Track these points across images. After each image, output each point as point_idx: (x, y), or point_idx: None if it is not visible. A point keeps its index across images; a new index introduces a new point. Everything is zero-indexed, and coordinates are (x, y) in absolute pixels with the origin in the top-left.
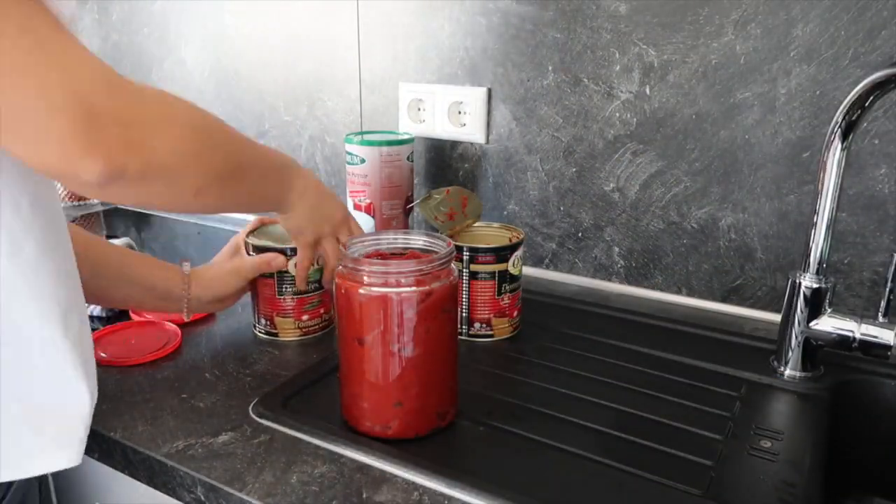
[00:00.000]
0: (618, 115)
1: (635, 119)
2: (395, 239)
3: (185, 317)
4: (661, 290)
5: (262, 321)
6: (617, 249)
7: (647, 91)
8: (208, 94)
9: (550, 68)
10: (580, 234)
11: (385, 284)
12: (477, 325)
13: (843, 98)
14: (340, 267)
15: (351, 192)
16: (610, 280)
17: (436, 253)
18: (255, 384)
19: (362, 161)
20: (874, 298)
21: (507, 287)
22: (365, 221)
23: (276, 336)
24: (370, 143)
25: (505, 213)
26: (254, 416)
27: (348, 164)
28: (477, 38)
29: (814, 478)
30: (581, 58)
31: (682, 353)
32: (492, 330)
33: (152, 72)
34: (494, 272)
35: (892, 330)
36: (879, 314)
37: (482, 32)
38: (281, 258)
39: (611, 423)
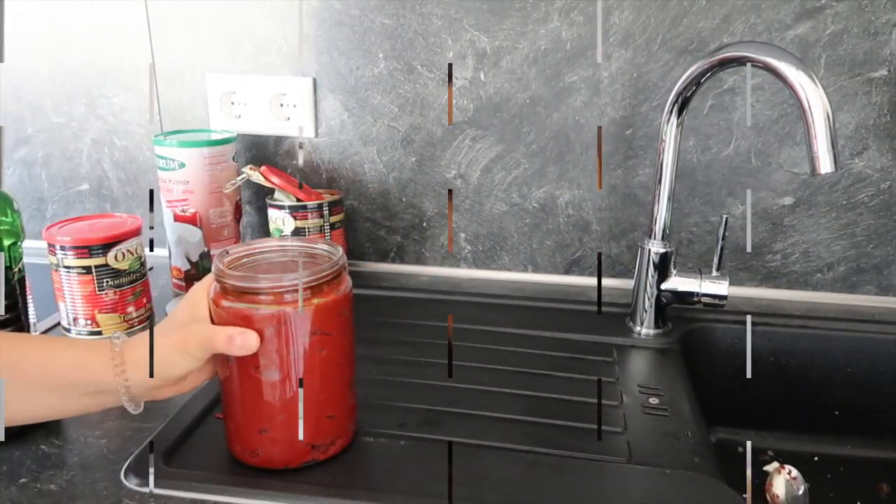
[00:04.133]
0: (455, 101)
1: (472, 105)
2: (269, 247)
3: (132, 409)
4: (508, 269)
5: (81, 322)
6: (463, 235)
7: (482, 77)
8: None
9: (381, 55)
10: (425, 224)
11: (282, 302)
12: None
13: (656, 80)
14: (216, 286)
15: (169, 202)
16: (458, 266)
17: (328, 257)
18: (116, 444)
19: (181, 165)
20: (691, 255)
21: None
22: (193, 233)
23: (100, 334)
24: (190, 145)
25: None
26: (131, 486)
27: (162, 169)
28: (296, 23)
29: (699, 424)
30: (413, 44)
31: (547, 328)
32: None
33: None
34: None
35: (725, 282)
36: (713, 269)
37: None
38: (253, 336)
39: (521, 409)
